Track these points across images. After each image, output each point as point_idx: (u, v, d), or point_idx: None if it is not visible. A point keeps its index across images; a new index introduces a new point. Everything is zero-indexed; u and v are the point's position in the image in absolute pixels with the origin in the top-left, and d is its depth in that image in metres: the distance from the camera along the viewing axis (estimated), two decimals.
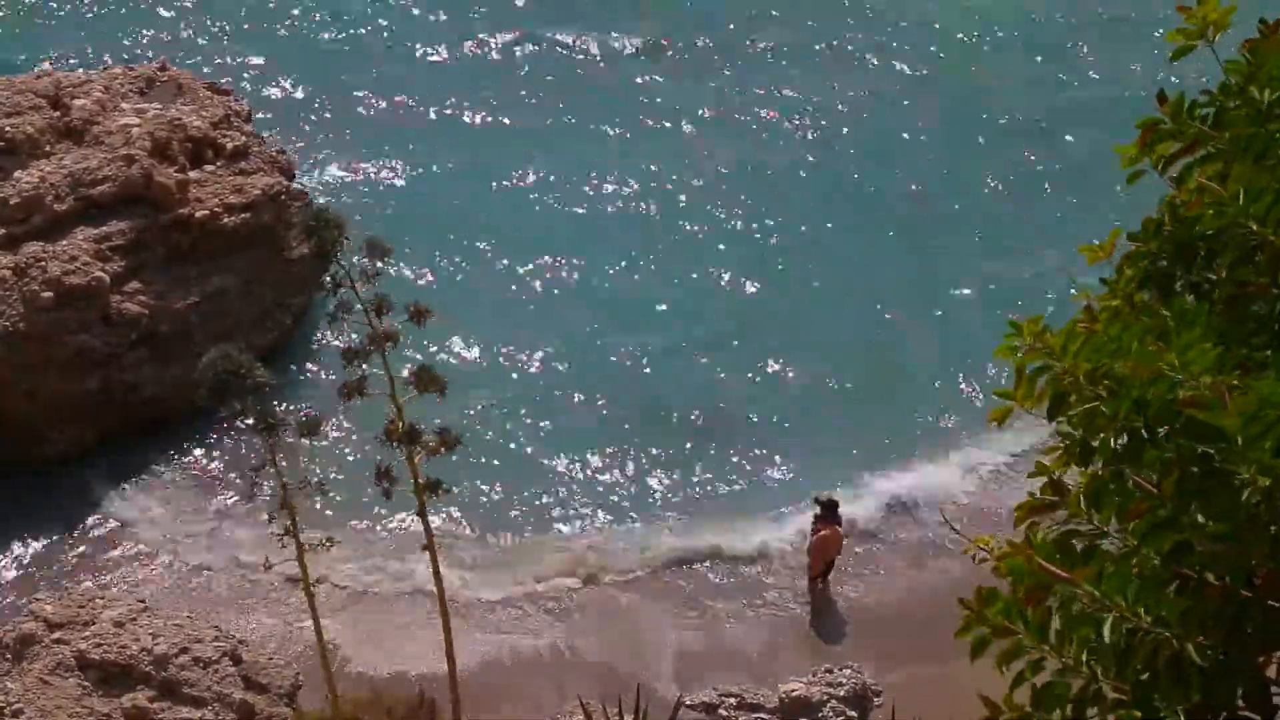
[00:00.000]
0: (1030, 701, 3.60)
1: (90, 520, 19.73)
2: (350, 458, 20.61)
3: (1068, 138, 29.31)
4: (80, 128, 22.01)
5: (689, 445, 21.68)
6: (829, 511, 18.70)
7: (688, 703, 16.49)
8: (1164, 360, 3.40)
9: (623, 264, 25.48)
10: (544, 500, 20.75)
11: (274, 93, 29.43)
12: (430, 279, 24.52)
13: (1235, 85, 3.81)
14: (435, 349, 22.31)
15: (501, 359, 23.28)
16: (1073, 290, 21.86)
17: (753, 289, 24.98)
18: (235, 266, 21.70)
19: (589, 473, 21.22)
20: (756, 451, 21.63)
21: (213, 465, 20.64)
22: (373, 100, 29.62)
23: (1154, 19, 30.26)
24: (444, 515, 19.61)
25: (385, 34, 32.06)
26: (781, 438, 21.91)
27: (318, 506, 19.17)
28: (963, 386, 22.81)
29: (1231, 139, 3.72)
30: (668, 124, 29.31)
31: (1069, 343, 3.67)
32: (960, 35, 32.95)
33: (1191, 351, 3.36)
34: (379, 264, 12.69)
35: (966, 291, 25.05)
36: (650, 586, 19.28)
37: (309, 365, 22.45)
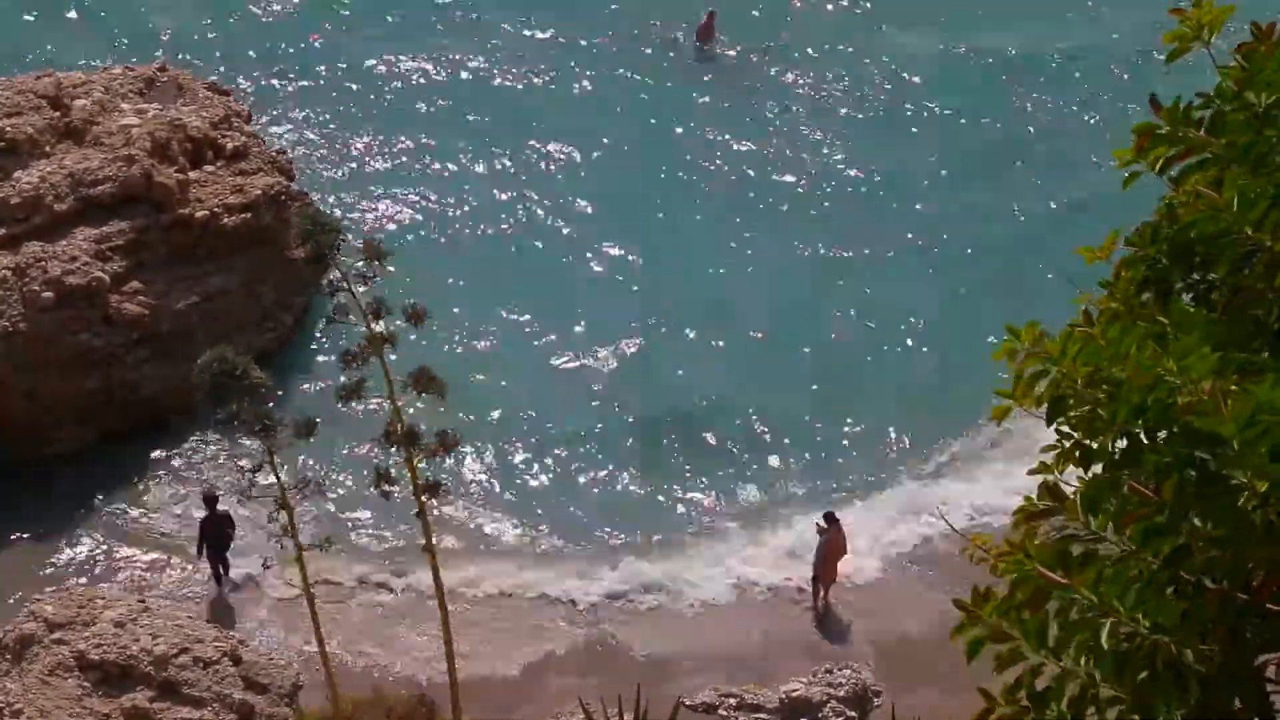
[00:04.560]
0: (1028, 701, 3.60)
1: (90, 520, 19.72)
2: (350, 458, 20.60)
3: (1068, 138, 29.30)
4: (80, 128, 22.00)
5: (693, 451, 21.67)
6: (832, 522, 18.74)
7: (688, 703, 16.49)
8: (1162, 366, 3.39)
9: (632, 268, 25.48)
10: (547, 500, 20.74)
11: (274, 92, 29.40)
12: (430, 280, 24.48)
13: (1230, 90, 3.80)
14: (440, 350, 22.31)
15: (506, 362, 23.26)
16: (1071, 276, 21.80)
17: (763, 295, 24.96)
18: (235, 267, 21.69)
19: (592, 476, 21.22)
20: (758, 457, 21.62)
21: (212, 465, 20.60)
22: (375, 100, 29.60)
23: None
24: (446, 516, 19.59)
25: (387, 32, 32.03)
26: (782, 442, 21.90)
27: (319, 507, 19.20)
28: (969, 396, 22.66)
29: (1228, 145, 3.71)
30: (674, 128, 29.28)
31: (1067, 347, 3.67)
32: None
33: (1190, 357, 3.36)
34: (376, 266, 12.68)
35: (976, 298, 24.99)
36: (650, 587, 19.25)
37: (309, 366, 22.42)
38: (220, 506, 18.43)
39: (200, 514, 18.71)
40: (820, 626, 18.73)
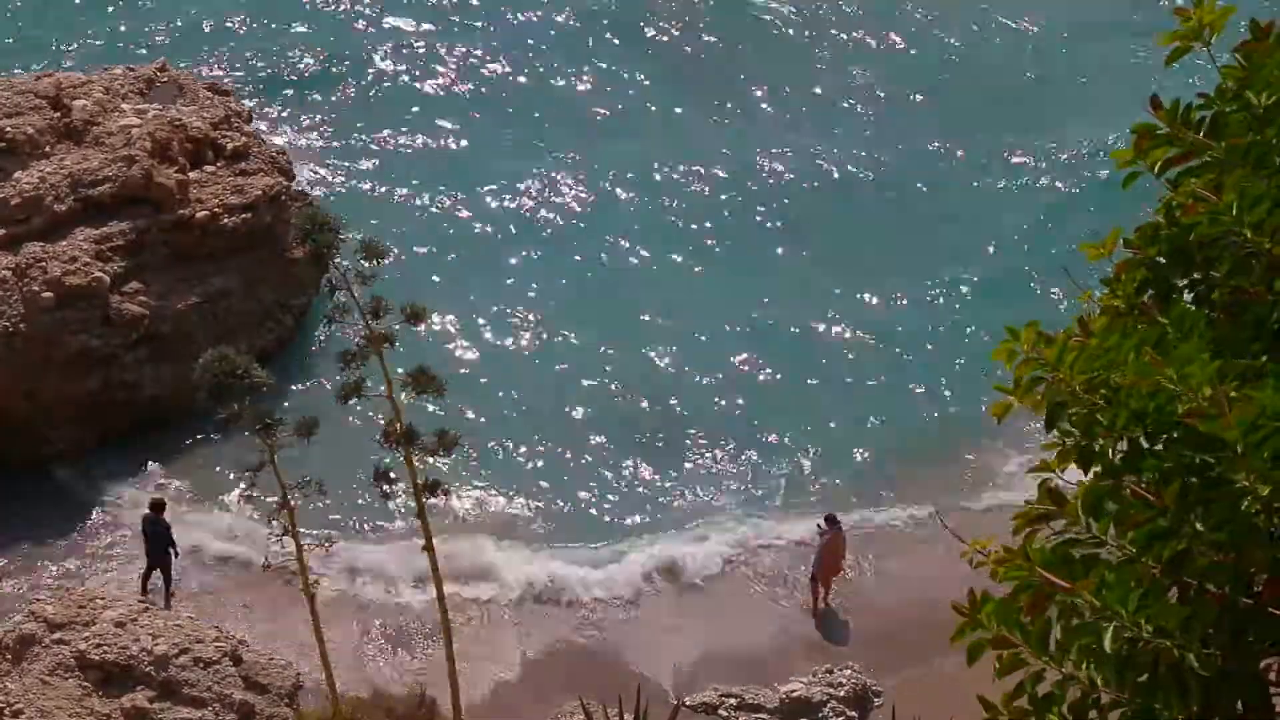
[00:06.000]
0: (1029, 704, 3.59)
1: (90, 520, 19.70)
2: (350, 458, 20.57)
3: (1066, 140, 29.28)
4: (80, 128, 21.98)
5: (690, 450, 21.66)
6: (832, 524, 18.69)
7: (688, 703, 16.47)
8: (1163, 374, 3.38)
9: (626, 269, 25.47)
10: (545, 500, 20.72)
11: (274, 92, 29.39)
12: (428, 279, 24.47)
13: (1230, 90, 3.79)
14: (437, 348, 22.31)
15: (502, 360, 23.26)
16: (1072, 272, 21.84)
17: (756, 298, 24.96)
18: (235, 267, 21.66)
19: (588, 473, 21.21)
20: (756, 457, 21.61)
21: (212, 465, 20.59)
22: (374, 99, 29.58)
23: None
24: (444, 515, 19.57)
25: (386, 31, 32.02)
26: (780, 443, 21.89)
27: (318, 506, 19.18)
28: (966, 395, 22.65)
29: (1228, 148, 3.70)
30: (669, 130, 29.25)
31: (1064, 354, 3.65)
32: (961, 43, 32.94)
33: (1191, 365, 3.34)
34: (375, 265, 12.66)
35: (969, 296, 24.99)
36: (650, 587, 19.24)
37: (309, 366, 22.39)
38: (166, 516, 18.23)
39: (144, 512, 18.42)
40: (819, 627, 18.70)
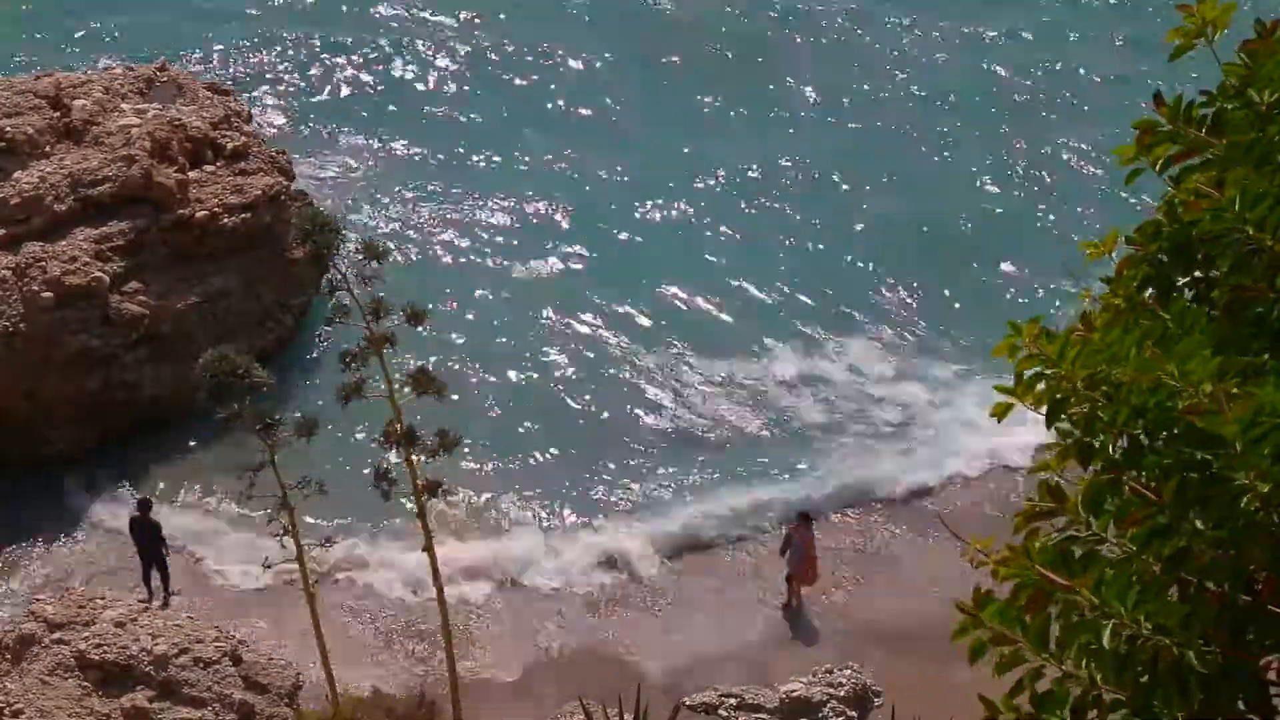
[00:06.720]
0: (1030, 703, 3.58)
1: (91, 520, 19.70)
2: (350, 458, 20.58)
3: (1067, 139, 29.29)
4: (80, 128, 21.99)
5: (690, 450, 21.67)
6: (805, 520, 18.62)
7: (688, 703, 16.46)
8: (1163, 369, 3.38)
9: (627, 267, 25.48)
10: (540, 500, 20.71)
11: (274, 93, 29.40)
12: (425, 278, 24.48)
13: (1233, 87, 3.78)
14: (436, 348, 22.33)
15: (501, 358, 23.27)
16: (1073, 288, 21.94)
17: (762, 298, 24.99)
18: (235, 267, 21.67)
19: (584, 474, 21.21)
20: (749, 455, 21.62)
21: (212, 465, 20.57)
22: (373, 99, 29.59)
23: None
24: (442, 516, 19.56)
25: (385, 31, 32.04)
26: (770, 441, 21.90)
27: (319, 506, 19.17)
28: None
29: (1230, 145, 3.69)
30: (677, 129, 29.26)
31: (1066, 350, 3.65)
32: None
33: (1192, 361, 3.34)
34: (376, 266, 12.67)
35: (968, 298, 25.00)
36: (649, 587, 19.24)
37: (309, 366, 22.40)
38: (153, 515, 18.09)
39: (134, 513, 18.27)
40: (794, 626, 18.67)
